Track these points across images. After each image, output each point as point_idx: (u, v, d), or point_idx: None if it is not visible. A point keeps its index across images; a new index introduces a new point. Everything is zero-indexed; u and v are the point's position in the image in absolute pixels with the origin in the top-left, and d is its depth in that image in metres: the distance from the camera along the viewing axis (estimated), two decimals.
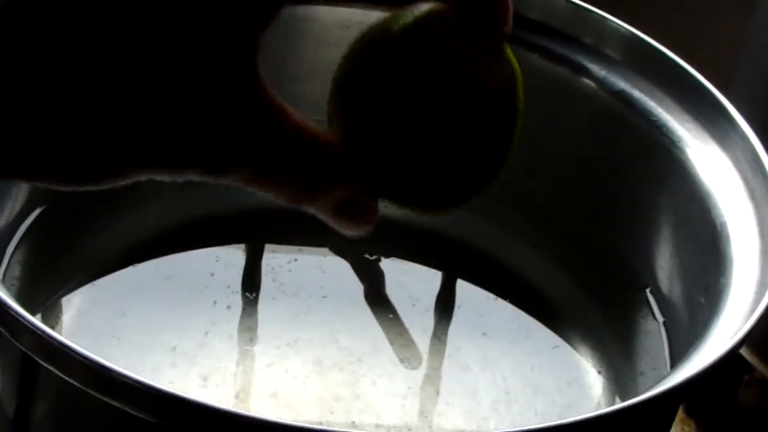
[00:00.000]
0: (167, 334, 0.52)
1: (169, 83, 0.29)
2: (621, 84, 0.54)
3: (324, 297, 0.55)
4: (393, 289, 0.56)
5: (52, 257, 0.53)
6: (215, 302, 0.53)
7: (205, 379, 0.50)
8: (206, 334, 0.52)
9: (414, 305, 0.55)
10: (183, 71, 0.29)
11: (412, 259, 0.57)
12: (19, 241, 0.51)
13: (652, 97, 0.53)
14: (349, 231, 0.33)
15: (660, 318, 0.52)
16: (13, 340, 0.37)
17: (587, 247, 0.56)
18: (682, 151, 0.51)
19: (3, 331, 0.37)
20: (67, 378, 0.36)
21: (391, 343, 0.53)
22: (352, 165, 0.32)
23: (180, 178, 0.30)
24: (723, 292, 0.44)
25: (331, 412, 0.50)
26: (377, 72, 0.31)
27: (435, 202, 0.33)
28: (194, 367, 0.50)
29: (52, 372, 0.36)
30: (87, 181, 0.30)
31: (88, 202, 0.53)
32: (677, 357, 0.50)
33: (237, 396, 0.49)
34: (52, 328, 0.49)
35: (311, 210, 0.33)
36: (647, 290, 0.53)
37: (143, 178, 0.30)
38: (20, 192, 0.49)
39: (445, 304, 0.56)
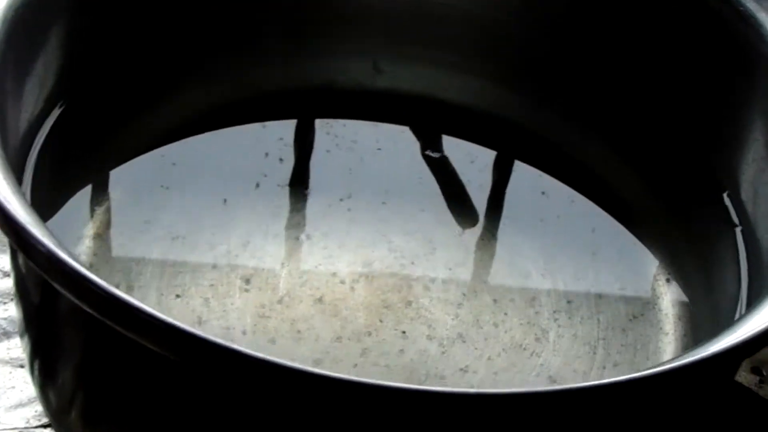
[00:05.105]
0: (208, 231, 0.49)
1: None
2: None
3: (379, 149, 0.52)
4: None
5: (96, 133, 0.50)
6: (267, 154, 0.51)
7: (247, 281, 0.47)
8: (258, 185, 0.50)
9: (473, 161, 0.53)
10: None
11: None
12: (58, 118, 0.48)
13: None
14: None
15: (738, 225, 0.48)
16: (25, 256, 0.34)
17: (659, 143, 0.52)
18: None
19: (15, 247, 0.34)
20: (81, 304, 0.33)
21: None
22: None
23: None
24: None
25: (380, 320, 0.47)
26: None
27: None
28: (237, 269, 0.47)
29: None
30: None
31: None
32: (757, 269, 0.46)
33: (281, 301, 0.47)
34: (100, 205, 0.47)
35: None
36: (725, 194, 0.49)
37: None
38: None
39: (501, 197, 0.52)
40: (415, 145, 0.53)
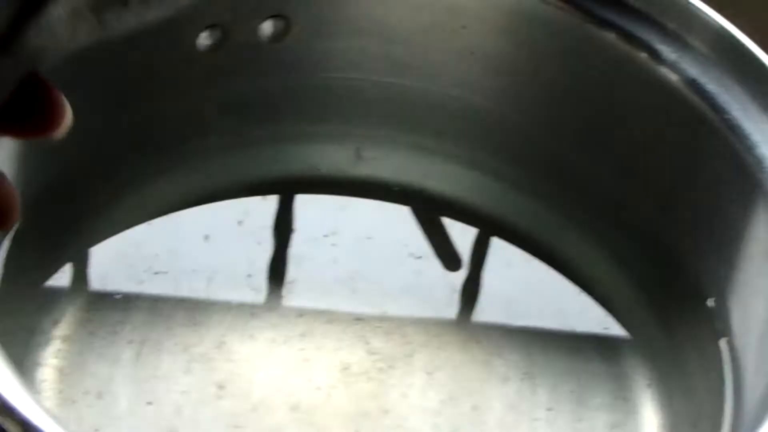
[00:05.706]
0: (180, 331, 0.48)
1: None
2: (693, 72, 0.48)
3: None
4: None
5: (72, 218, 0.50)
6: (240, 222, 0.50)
7: (221, 387, 0.46)
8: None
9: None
10: None
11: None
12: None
13: (727, 91, 0.47)
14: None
15: (722, 333, 0.48)
16: None
17: (645, 243, 0.52)
18: (755, 158, 0.45)
19: None
20: None
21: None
22: None
23: None
24: None
25: (356, 431, 0.46)
26: None
27: None
28: (211, 373, 0.46)
29: None
30: None
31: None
32: (740, 381, 0.46)
33: (255, 410, 0.46)
34: (72, 303, 0.46)
35: None
36: (709, 301, 0.49)
37: None
38: None
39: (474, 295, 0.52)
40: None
